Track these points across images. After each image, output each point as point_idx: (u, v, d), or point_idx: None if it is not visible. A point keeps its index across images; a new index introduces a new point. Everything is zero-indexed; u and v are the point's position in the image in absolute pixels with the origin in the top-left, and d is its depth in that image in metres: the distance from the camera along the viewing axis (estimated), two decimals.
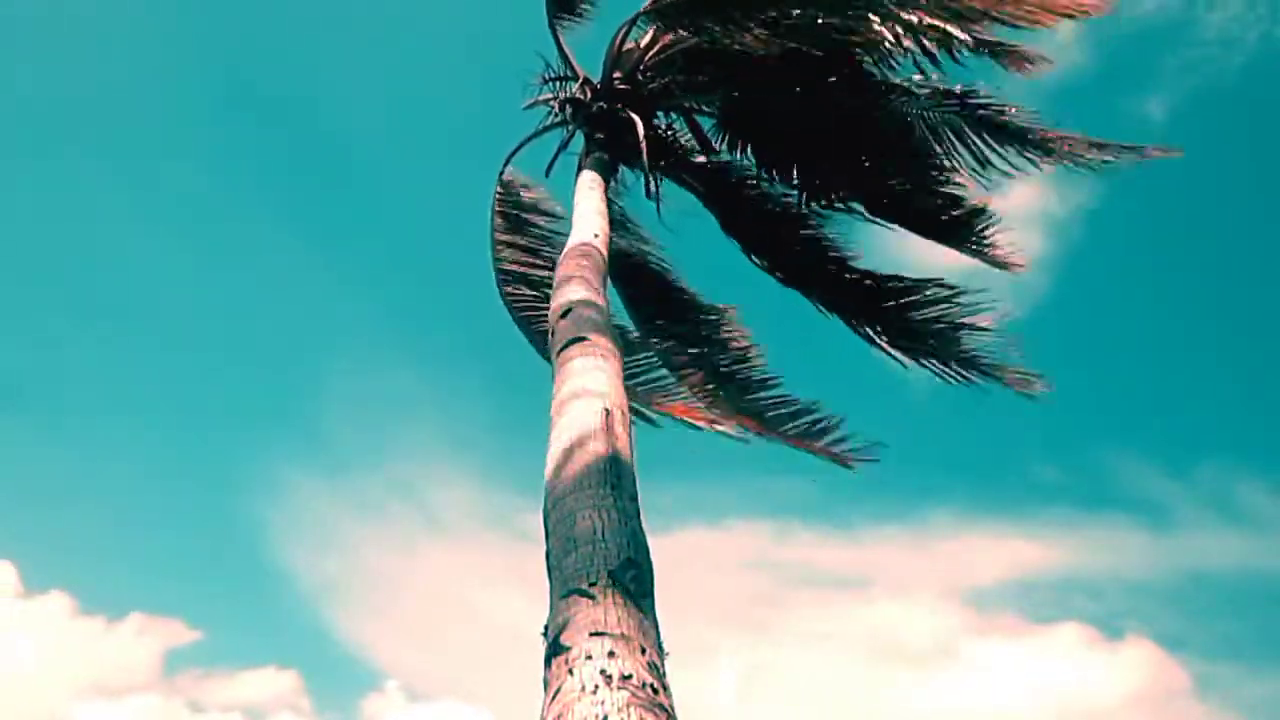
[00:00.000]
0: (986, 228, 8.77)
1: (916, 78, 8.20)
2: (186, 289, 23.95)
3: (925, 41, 7.58)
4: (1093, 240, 20.97)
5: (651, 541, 3.53)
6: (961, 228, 8.80)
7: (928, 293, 8.83)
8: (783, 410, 9.44)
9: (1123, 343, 23.15)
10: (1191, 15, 21.02)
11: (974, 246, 8.84)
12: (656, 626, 3.04)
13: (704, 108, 9.16)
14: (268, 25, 21.62)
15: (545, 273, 9.81)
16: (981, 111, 8.23)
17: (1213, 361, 23.11)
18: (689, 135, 9.38)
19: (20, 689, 23.04)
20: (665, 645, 2.98)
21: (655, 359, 9.78)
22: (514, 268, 9.89)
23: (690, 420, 9.75)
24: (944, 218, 8.81)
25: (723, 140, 9.25)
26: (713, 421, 9.75)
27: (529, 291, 9.84)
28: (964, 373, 8.74)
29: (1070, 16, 7.03)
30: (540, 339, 9.67)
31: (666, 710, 2.65)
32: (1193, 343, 23.14)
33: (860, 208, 9.07)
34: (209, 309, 24.16)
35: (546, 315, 9.49)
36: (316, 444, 24.90)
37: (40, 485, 24.28)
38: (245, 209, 23.38)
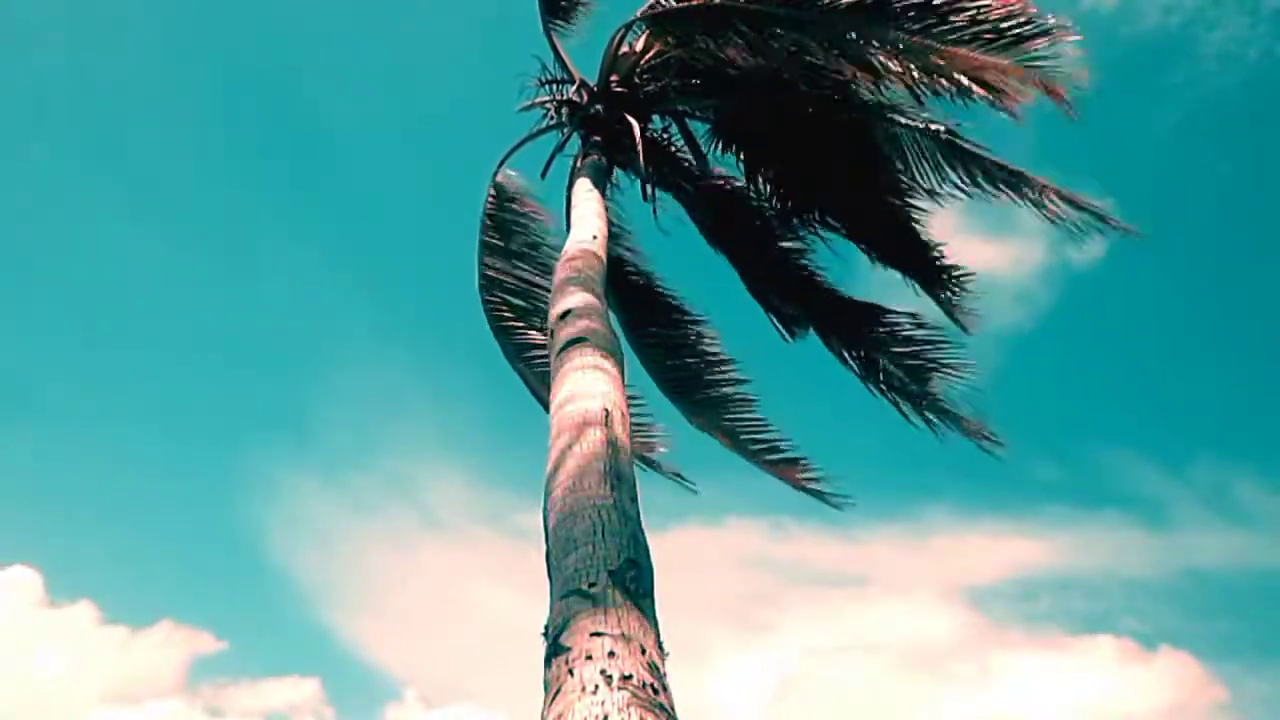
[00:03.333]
0: (956, 278, 8.85)
1: (904, 106, 8.28)
2: (180, 289, 23.81)
3: (906, 80, 7.64)
4: (1094, 247, 21.23)
5: (649, 540, 3.53)
6: (933, 270, 8.86)
7: (902, 326, 8.90)
8: (757, 435, 9.43)
9: (1120, 341, 23.41)
10: (1193, 33, 21.27)
11: (939, 291, 8.91)
12: (656, 626, 3.03)
13: (698, 113, 9.18)
14: (266, 25, 21.61)
15: (529, 280, 9.77)
16: (966, 148, 8.30)
17: (1209, 359, 23.38)
18: (682, 143, 9.40)
19: (42, 696, 22.84)
20: (665, 645, 2.99)
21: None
22: (499, 277, 9.82)
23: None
24: (915, 255, 8.87)
25: (715, 146, 9.26)
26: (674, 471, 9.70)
27: (511, 299, 9.77)
28: (929, 415, 8.82)
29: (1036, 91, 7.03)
30: (512, 345, 9.62)
31: (666, 710, 2.64)
32: (1189, 340, 23.40)
33: (841, 229, 9.11)
34: (202, 308, 24.03)
35: (523, 322, 9.58)
36: (311, 443, 24.78)
37: (45, 490, 24.07)
38: (240, 208, 23.29)
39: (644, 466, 9.51)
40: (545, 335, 8.76)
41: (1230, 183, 21.23)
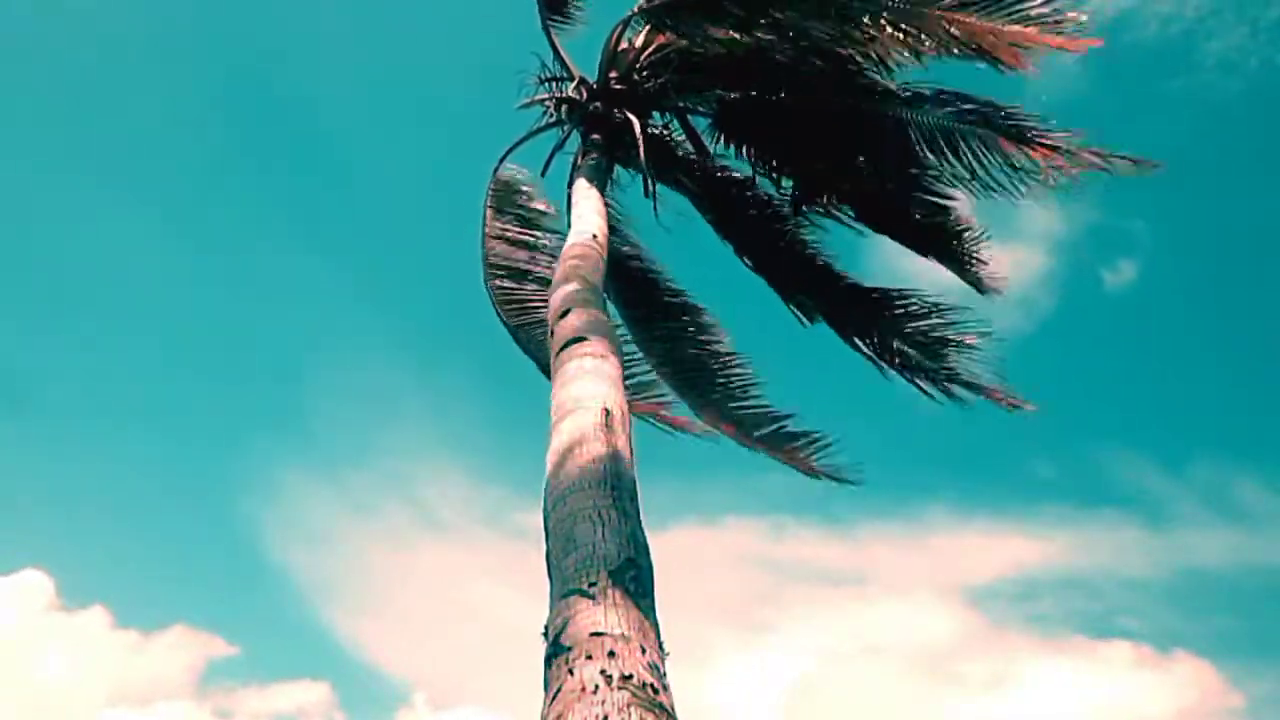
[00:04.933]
0: (971, 244, 8.73)
1: (909, 81, 8.18)
2: (179, 288, 23.85)
3: (910, 52, 7.58)
4: (1095, 252, 21.34)
5: (648, 539, 3.53)
6: (947, 242, 8.75)
7: (913, 306, 8.82)
8: (764, 419, 9.40)
9: (1119, 342, 23.40)
10: (1193, 42, 21.21)
11: (957, 262, 8.80)
12: (656, 627, 3.04)
13: (699, 108, 9.15)
14: (264, 23, 21.61)
15: (535, 268, 9.76)
16: (977, 110, 8.12)
17: (1208, 359, 23.36)
18: (684, 136, 9.37)
19: (49, 698, 22.90)
20: (665, 645, 3.00)
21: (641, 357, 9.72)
22: (504, 262, 9.79)
23: (669, 424, 9.68)
24: (930, 230, 8.75)
25: (718, 140, 9.23)
26: (680, 425, 9.65)
27: (515, 285, 9.73)
28: (949, 389, 8.74)
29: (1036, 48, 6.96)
30: (523, 334, 9.60)
31: (667, 710, 2.66)
32: (1188, 340, 23.39)
33: (851, 213, 9.05)
34: (198, 307, 24.05)
35: (531, 310, 9.57)
36: (309, 442, 24.79)
37: (52, 492, 24.09)
38: (240, 208, 23.32)
39: (650, 420, 9.47)
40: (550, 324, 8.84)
41: (1230, 189, 21.24)
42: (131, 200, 22.10)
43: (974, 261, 8.78)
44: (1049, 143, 7.64)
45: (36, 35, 20.35)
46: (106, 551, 24.48)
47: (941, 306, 8.80)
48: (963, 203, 8.67)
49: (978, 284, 8.82)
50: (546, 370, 9.31)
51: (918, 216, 8.75)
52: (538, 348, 9.35)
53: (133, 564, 24.55)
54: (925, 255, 8.90)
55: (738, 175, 9.41)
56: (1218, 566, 24.60)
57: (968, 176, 8.05)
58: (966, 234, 8.74)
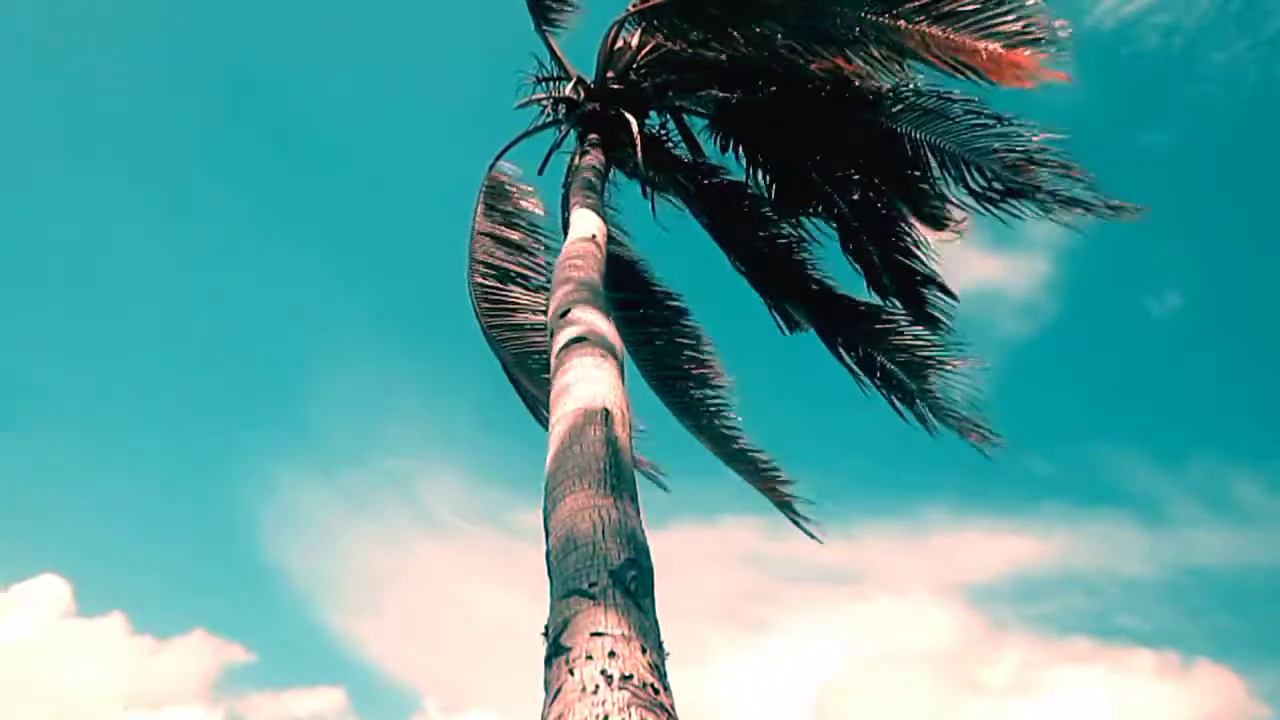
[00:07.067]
0: (932, 291, 8.65)
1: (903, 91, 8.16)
2: (174, 286, 23.75)
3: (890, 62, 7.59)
4: (1096, 255, 21.48)
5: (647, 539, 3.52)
6: (911, 279, 8.69)
7: (901, 324, 8.78)
8: (736, 444, 9.46)
9: (1118, 340, 23.51)
10: (1194, 53, 21.33)
11: (915, 303, 8.72)
12: (657, 626, 3.05)
13: (696, 108, 9.14)
14: (263, 22, 21.55)
15: (520, 269, 9.68)
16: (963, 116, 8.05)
17: (1205, 358, 23.49)
18: (680, 138, 9.37)
19: (69, 703, 22.75)
20: (665, 645, 3.00)
21: None
22: (489, 260, 9.66)
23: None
24: (895, 266, 8.69)
25: (714, 140, 9.22)
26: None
27: (497, 285, 9.60)
28: (923, 413, 8.76)
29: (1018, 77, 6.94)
30: (497, 335, 9.49)
31: (667, 710, 2.66)
32: (1186, 338, 23.50)
33: (833, 226, 9.00)
34: (195, 306, 23.96)
35: (510, 311, 9.50)
36: (307, 441, 24.71)
37: (61, 496, 23.92)
38: (238, 206, 23.24)
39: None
40: (536, 324, 8.76)
41: (1230, 193, 21.40)
42: (131, 199, 22.04)
43: (932, 297, 8.67)
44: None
45: (36, 35, 20.27)
46: (120, 556, 24.42)
47: (926, 331, 8.76)
48: (953, 246, 8.64)
49: (930, 322, 8.72)
50: (510, 373, 9.29)
51: (893, 237, 8.68)
52: (510, 349, 9.29)
53: (147, 569, 24.53)
54: (883, 288, 8.77)
55: (731, 179, 9.41)
56: (1217, 566, 24.71)
57: (962, 187, 8.02)
58: (932, 279, 8.65)
